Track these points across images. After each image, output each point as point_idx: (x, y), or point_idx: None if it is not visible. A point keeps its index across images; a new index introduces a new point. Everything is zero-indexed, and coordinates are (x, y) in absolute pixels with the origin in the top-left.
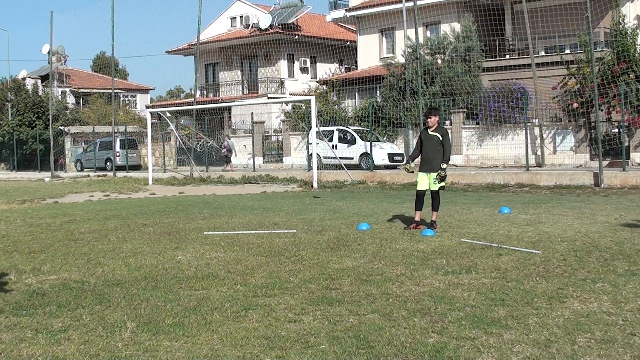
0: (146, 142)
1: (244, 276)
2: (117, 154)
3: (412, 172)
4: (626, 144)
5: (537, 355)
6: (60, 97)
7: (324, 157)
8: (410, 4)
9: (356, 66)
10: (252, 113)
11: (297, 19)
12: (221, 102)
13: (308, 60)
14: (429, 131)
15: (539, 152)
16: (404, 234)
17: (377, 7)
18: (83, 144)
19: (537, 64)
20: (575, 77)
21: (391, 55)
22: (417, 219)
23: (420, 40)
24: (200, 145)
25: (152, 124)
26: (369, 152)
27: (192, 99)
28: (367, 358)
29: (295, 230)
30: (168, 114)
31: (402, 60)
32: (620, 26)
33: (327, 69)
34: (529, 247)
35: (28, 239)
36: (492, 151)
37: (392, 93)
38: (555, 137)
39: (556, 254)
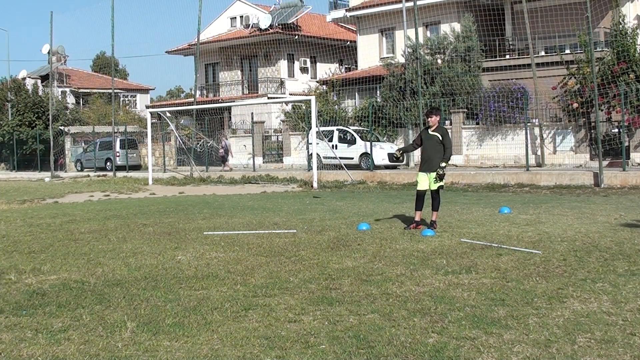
0: (146, 142)
1: (244, 276)
2: (117, 154)
3: (399, 158)
4: (626, 144)
5: (537, 355)
6: (60, 97)
7: (324, 157)
8: (410, 4)
9: (356, 66)
10: (252, 113)
11: (297, 19)
12: (221, 102)
13: (308, 60)
14: (430, 131)
15: (539, 152)
16: (404, 234)
17: (377, 7)
18: (83, 144)
19: (537, 64)
20: (575, 77)
21: (391, 55)
22: (417, 219)
23: (420, 40)
24: (200, 145)
25: (152, 124)
26: (369, 152)
27: (192, 99)
28: (367, 358)
29: (295, 230)
30: (168, 114)
31: (402, 60)
32: (620, 26)
33: (327, 69)
34: (529, 247)
35: (28, 239)
36: (492, 151)
37: (392, 93)
38: (555, 137)
39: (556, 254)
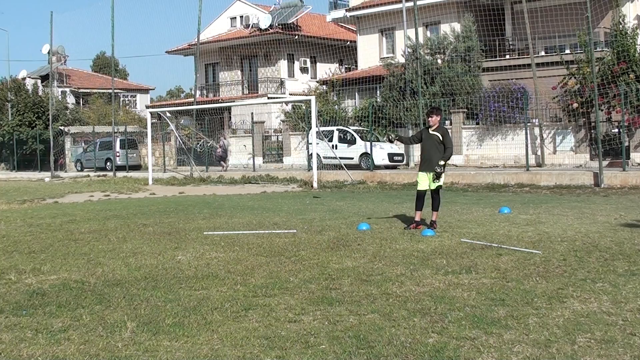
0: (146, 142)
1: (244, 276)
2: (117, 154)
3: (393, 140)
4: (626, 144)
5: (537, 355)
6: (60, 97)
7: (324, 157)
8: (410, 4)
9: (356, 66)
10: (252, 113)
11: (297, 19)
12: (221, 102)
13: (308, 60)
14: (430, 130)
15: (539, 152)
16: (404, 234)
17: (377, 7)
18: (83, 144)
19: (537, 64)
20: (575, 77)
21: (391, 55)
22: (417, 219)
23: (420, 40)
24: (200, 145)
25: (152, 124)
26: (369, 152)
27: (192, 99)
28: (367, 358)
29: (295, 230)
30: (168, 114)
31: (402, 60)
32: (620, 26)
33: (327, 69)
34: (529, 247)
35: (28, 239)
36: (492, 151)
37: (392, 93)
38: (555, 137)
39: (556, 254)
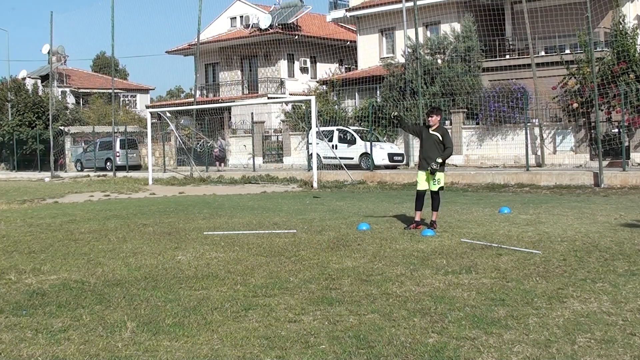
0: (146, 142)
1: (244, 276)
2: (117, 154)
3: (394, 117)
4: (626, 144)
5: (537, 355)
6: (60, 97)
7: (324, 157)
8: (410, 4)
9: (356, 66)
10: (252, 113)
11: (297, 19)
12: (221, 102)
13: (308, 60)
14: (430, 130)
15: (539, 152)
16: (404, 234)
17: (377, 7)
18: (83, 144)
19: (537, 64)
20: (575, 77)
21: (391, 55)
22: (417, 219)
23: (420, 40)
24: (200, 145)
25: (152, 124)
26: (369, 152)
27: (192, 99)
28: (367, 358)
29: (295, 230)
30: (168, 114)
31: (402, 60)
32: (620, 26)
33: (327, 69)
34: (529, 247)
35: (28, 239)
36: (492, 151)
37: (392, 93)
38: (555, 137)
39: (556, 254)
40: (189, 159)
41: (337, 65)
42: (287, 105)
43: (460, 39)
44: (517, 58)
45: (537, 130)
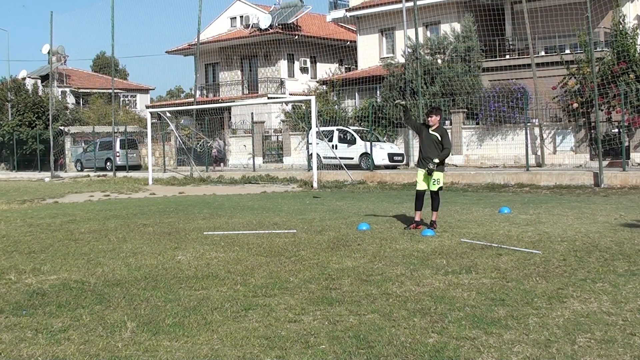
0: (146, 142)
1: (244, 276)
2: (117, 154)
3: (399, 105)
4: (626, 144)
5: (537, 355)
6: (60, 97)
7: (324, 157)
8: (410, 4)
9: (356, 66)
10: (252, 113)
11: (297, 19)
12: (221, 102)
13: (308, 60)
14: (430, 130)
15: (539, 152)
16: (404, 234)
17: (377, 7)
18: (83, 144)
19: (537, 64)
20: (575, 77)
21: (391, 55)
22: (417, 219)
23: (420, 40)
24: (200, 145)
25: (152, 124)
26: (369, 152)
27: (192, 99)
28: (367, 358)
29: (295, 230)
30: (168, 114)
31: (402, 60)
32: (620, 26)
33: (327, 69)
34: (529, 247)
35: (28, 239)
36: (492, 151)
37: (392, 93)
38: (555, 137)
39: (556, 254)
40: (189, 159)
41: (337, 65)
42: (287, 105)
43: (460, 39)
44: (517, 58)
45: (537, 130)
